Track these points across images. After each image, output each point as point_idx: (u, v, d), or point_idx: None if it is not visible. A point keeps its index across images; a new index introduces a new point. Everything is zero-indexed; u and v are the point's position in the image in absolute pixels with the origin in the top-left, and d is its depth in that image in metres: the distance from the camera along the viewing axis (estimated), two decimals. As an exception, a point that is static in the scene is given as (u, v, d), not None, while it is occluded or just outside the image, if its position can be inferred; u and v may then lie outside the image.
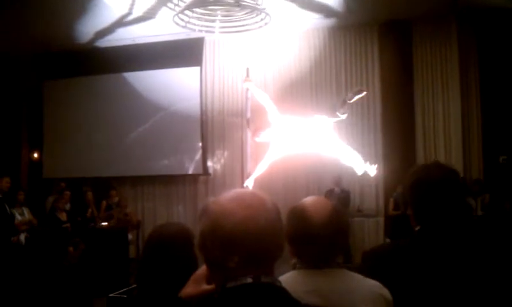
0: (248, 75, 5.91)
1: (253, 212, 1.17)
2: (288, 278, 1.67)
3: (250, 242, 1.15)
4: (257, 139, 5.59)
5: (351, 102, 5.02)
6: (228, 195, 1.23)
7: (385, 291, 1.66)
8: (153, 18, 8.78)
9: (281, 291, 1.19)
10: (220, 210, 1.19)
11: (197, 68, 10.48)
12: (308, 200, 1.76)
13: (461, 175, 8.68)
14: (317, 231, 1.64)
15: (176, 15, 6.99)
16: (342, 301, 1.60)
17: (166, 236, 1.98)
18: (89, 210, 9.74)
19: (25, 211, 8.06)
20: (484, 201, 8.54)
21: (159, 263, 1.92)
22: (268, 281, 1.17)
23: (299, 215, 1.69)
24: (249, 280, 1.14)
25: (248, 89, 5.92)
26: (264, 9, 6.91)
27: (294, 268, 1.75)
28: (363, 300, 1.61)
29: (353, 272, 1.73)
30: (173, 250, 1.92)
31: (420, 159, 9.57)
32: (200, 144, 10.46)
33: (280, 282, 1.21)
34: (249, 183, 5.60)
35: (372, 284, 1.68)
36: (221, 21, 7.37)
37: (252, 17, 7.21)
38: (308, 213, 1.67)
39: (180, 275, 1.87)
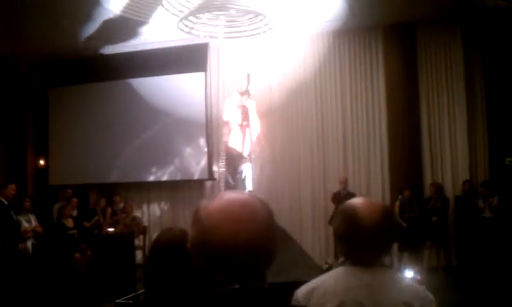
0: (249, 82, 5.91)
1: (241, 225, 1.13)
2: (339, 273, 1.78)
3: (238, 257, 1.13)
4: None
5: None
6: (219, 202, 1.19)
7: (429, 294, 1.75)
8: (158, 24, 8.80)
9: (270, 293, 1.18)
10: (208, 222, 1.16)
11: (202, 74, 10.49)
12: (359, 201, 1.82)
13: (468, 178, 8.58)
14: (369, 232, 1.72)
15: (181, 20, 7.01)
16: (389, 296, 1.70)
17: (171, 240, 1.98)
18: (95, 217, 9.73)
19: (32, 218, 8.06)
20: (493, 204, 8.48)
21: (164, 268, 1.91)
22: (256, 285, 1.15)
23: (350, 216, 1.77)
24: (237, 286, 1.13)
25: (247, 98, 5.94)
26: (268, 14, 6.91)
27: (341, 265, 1.84)
28: (410, 297, 1.69)
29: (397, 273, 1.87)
30: (178, 254, 1.91)
31: (426, 161, 9.56)
32: (206, 149, 10.46)
33: (267, 285, 1.19)
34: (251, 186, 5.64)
35: (417, 285, 1.81)
36: (225, 26, 7.38)
37: (256, 22, 7.21)
38: (360, 215, 1.75)
39: (186, 279, 1.87)
